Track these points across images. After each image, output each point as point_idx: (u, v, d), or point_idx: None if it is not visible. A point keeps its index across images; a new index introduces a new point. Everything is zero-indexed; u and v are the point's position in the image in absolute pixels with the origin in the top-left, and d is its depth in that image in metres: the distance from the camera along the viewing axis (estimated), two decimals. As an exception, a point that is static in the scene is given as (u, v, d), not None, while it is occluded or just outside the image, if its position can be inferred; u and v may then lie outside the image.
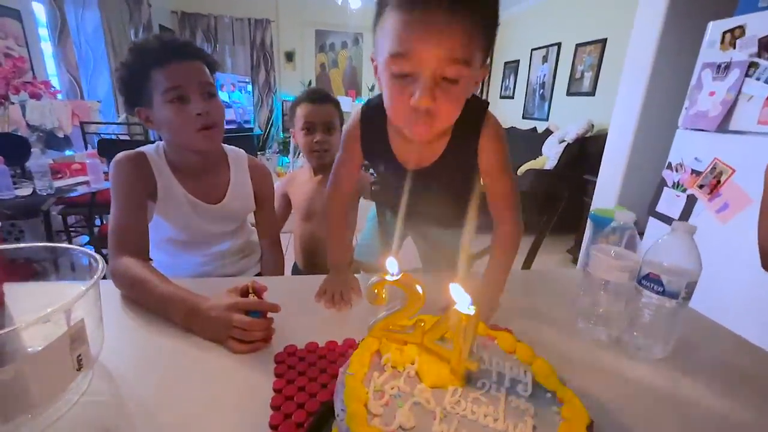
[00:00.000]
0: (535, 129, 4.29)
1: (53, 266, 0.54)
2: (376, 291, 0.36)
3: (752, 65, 1.52)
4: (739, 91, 1.56)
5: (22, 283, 0.59)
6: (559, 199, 0.88)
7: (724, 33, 1.64)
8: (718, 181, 1.66)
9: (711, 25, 1.70)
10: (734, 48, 1.60)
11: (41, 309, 0.36)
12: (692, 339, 0.60)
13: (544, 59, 4.40)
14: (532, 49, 4.60)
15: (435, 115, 0.54)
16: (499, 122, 0.69)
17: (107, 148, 1.07)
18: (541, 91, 4.47)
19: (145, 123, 0.80)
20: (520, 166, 3.57)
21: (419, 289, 0.35)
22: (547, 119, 4.35)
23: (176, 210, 0.83)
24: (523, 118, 4.81)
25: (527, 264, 0.96)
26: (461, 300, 0.32)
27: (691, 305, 0.62)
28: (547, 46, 4.33)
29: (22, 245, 0.49)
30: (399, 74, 0.52)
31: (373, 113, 0.68)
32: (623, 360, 0.55)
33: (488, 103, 0.68)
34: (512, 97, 5.15)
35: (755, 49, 1.52)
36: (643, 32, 2.18)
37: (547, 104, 4.37)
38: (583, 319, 0.60)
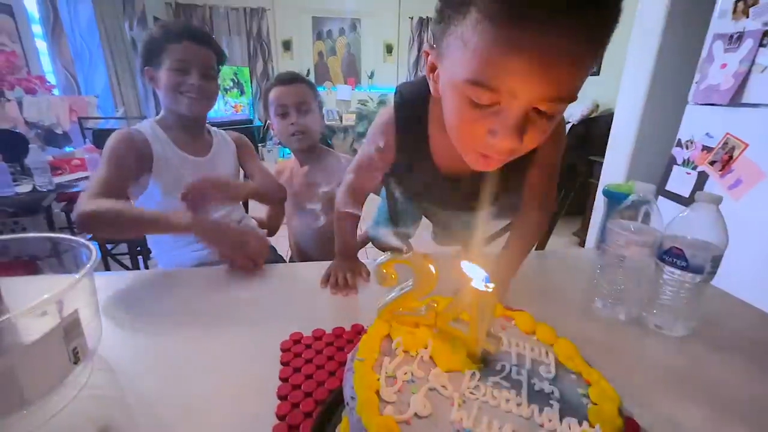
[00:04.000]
0: (538, 111, 4.22)
1: (54, 260, 0.52)
2: (385, 270, 0.34)
3: (766, 34, 1.46)
4: (753, 62, 1.50)
5: (19, 277, 0.57)
6: (578, 174, 0.84)
7: (737, 2, 1.57)
8: (731, 157, 1.61)
9: (723, -7, 1.63)
10: (747, 17, 1.54)
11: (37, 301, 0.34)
12: (714, 316, 0.57)
13: (547, 39, 4.31)
14: (535, 29, 4.50)
15: (514, 153, 0.44)
16: (563, 117, 0.58)
17: (104, 139, 1.04)
18: (544, 72, 4.39)
19: (149, 81, 0.90)
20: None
21: (431, 268, 0.32)
22: (550, 101, 4.27)
23: (167, 167, 0.89)
24: (526, 100, 4.74)
25: (541, 245, 0.92)
26: (477, 277, 0.29)
27: None
28: (549, 26, 4.23)
29: (8, 236, 0.47)
30: (478, 104, 0.40)
31: (412, 104, 0.58)
32: (644, 339, 0.53)
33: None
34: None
35: (770, 17, 1.45)
36: (651, 6, 2.10)
37: (550, 85, 4.29)
38: (601, 298, 0.58)
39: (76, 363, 0.39)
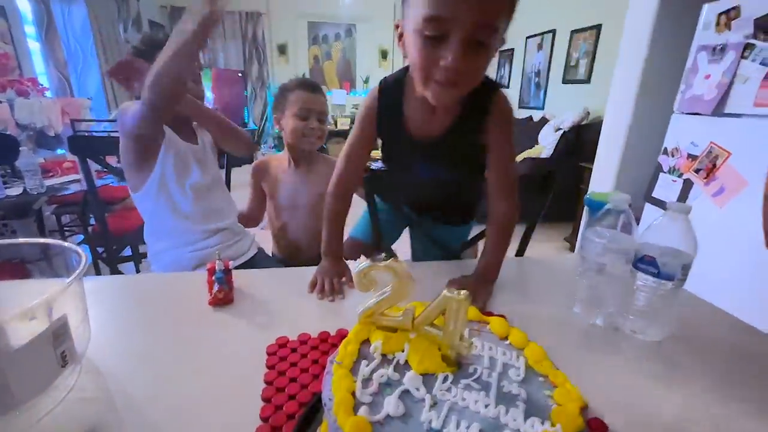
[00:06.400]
0: (531, 118, 4.27)
1: (44, 263, 0.53)
2: (364, 276, 0.35)
3: (748, 46, 1.51)
4: (735, 74, 1.55)
5: (9, 281, 0.58)
6: (552, 182, 0.87)
7: (720, 15, 1.62)
8: (714, 165, 1.65)
9: (706, 7, 1.68)
10: (729, 29, 1.59)
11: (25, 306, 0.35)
12: (689, 321, 0.60)
13: (539, 47, 4.36)
14: (527, 37, 4.56)
15: (461, 76, 0.56)
16: (510, 104, 0.71)
17: (80, 145, 1.05)
18: (537, 79, 4.44)
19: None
20: (517, 155, 3.56)
21: (409, 274, 0.34)
22: (542, 108, 4.32)
23: (176, 150, 0.94)
24: (519, 107, 4.79)
25: (521, 251, 0.95)
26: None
27: (690, 288, 0.61)
28: (542, 34, 4.29)
29: (0, 242, 0.48)
30: (432, 36, 0.54)
31: (391, 88, 0.72)
32: (620, 343, 0.55)
33: (501, 85, 0.71)
34: (507, 87, 5.11)
35: (751, 30, 1.50)
36: (638, 16, 2.15)
37: (542, 93, 4.34)
38: (580, 303, 0.60)
39: (64, 366, 0.40)
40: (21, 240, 0.49)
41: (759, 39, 1.48)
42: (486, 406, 0.28)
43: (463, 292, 0.31)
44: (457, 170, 0.80)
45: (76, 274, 0.41)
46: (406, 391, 0.29)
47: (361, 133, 0.77)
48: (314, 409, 0.39)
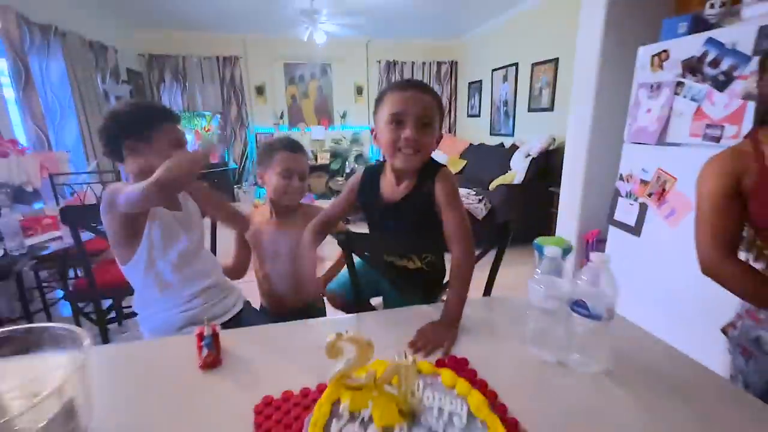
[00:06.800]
0: (502, 144, 4.49)
1: (37, 341, 0.58)
2: (333, 347, 0.42)
3: (679, 84, 1.70)
4: (671, 108, 1.73)
5: (6, 359, 0.62)
6: (509, 232, 0.99)
7: (653, 56, 1.82)
8: (664, 189, 1.80)
9: (641, 49, 1.88)
10: (662, 69, 1.78)
11: (28, 384, 0.40)
12: (625, 351, 0.68)
13: (505, 78, 4.65)
14: (493, 70, 4.86)
15: (419, 144, 0.89)
16: (451, 173, 0.97)
17: (72, 217, 1.10)
18: (505, 108, 4.70)
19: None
20: (492, 181, 3.72)
21: (369, 344, 0.41)
22: (512, 135, 4.56)
23: (162, 221, 1.00)
24: (491, 134, 5.03)
25: (487, 291, 1.04)
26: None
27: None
28: (506, 66, 4.59)
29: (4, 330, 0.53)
30: (395, 122, 0.89)
31: (372, 169, 1.05)
32: (566, 378, 0.63)
33: (443, 165, 0.98)
34: (479, 116, 5.38)
35: (680, 71, 1.69)
36: (585, 55, 2.37)
37: (511, 120, 4.59)
38: (532, 342, 0.68)
39: (72, 442, 0.45)
40: (26, 326, 0.55)
41: (687, 78, 1.67)
42: (432, 452, 0.35)
43: (410, 358, 0.38)
44: (414, 227, 0.99)
45: (83, 361, 0.46)
46: (369, 445, 0.36)
47: (344, 195, 1.08)
48: (297, 463, 0.45)
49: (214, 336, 0.66)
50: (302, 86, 5.69)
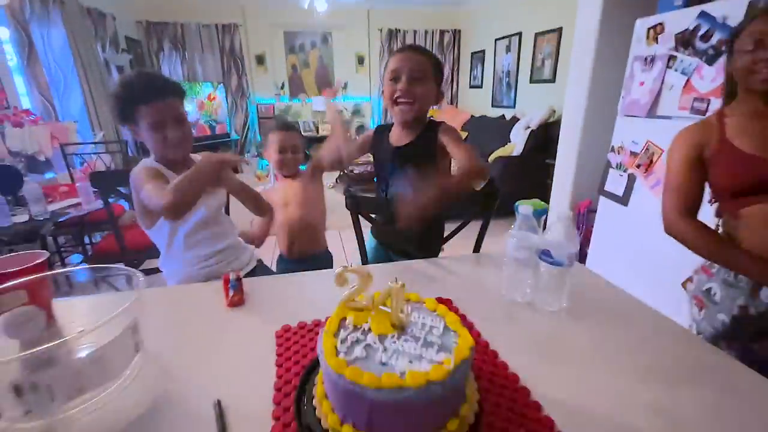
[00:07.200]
0: (503, 116, 4.50)
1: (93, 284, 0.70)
2: (340, 277, 0.54)
3: (671, 58, 1.75)
4: (663, 81, 1.79)
5: (67, 298, 0.75)
6: (495, 199, 1.14)
7: (649, 29, 1.86)
8: (651, 161, 1.89)
9: (638, 22, 1.91)
10: (657, 42, 1.82)
11: (88, 320, 0.52)
12: (583, 293, 0.81)
13: (507, 49, 4.61)
14: (496, 39, 4.80)
15: (411, 94, 1.05)
16: (451, 126, 1.13)
17: (102, 182, 1.21)
18: (507, 79, 4.68)
19: (133, 135, 1.06)
20: (491, 153, 3.79)
21: (369, 275, 0.53)
22: (514, 106, 4.56)
23: None
24: (493, 106, 5.03)
25: (477, 248, 1.16)
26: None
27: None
28: (509, 36, 4.53)
29: (70, 269, 0.65)
30: (393, 79, 1.07)
31: (383, 127, 1.25)
32: (532, 314, 0.75)
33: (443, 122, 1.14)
34: (480, 87, 5.36)
35: (673, 44, 1.74)
36: (585, 26, 2.39)
37: (513, 92, 4.58)
38: (506, 287, 0.80)
39: (137, 351, 0.57)
40: (79, 267, 0.67)
41: (679, 52, 1.72)
42: (415, 349, 0.48)
43: (399, 283, 0.50)
44: (420, 170, 1.07)
45: (140, 290, 0.58)
46: (368, 345, 0.48)
47: (360, 140, 1.29)
48: (313, 367, 0.57)
49: (238, 279, 0.78)
50: (302, 55, 5.63)
